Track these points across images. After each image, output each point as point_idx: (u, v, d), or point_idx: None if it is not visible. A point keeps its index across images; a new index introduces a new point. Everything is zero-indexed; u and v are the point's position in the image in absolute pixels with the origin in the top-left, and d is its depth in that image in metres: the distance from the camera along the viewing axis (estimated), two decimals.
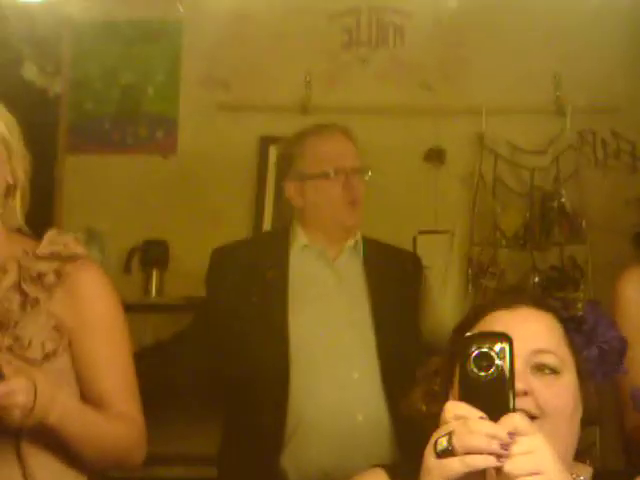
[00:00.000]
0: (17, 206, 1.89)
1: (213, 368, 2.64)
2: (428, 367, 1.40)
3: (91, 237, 3.56)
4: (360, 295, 2.71)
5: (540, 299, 1.44)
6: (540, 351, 1.34)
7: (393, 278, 2.77)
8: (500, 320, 1.36)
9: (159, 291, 3.68)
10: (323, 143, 2.73)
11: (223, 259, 2.76)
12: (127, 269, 3.67)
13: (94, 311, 1.88)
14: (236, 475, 2.63)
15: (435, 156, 3.64)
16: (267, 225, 3.66)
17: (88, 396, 1.88)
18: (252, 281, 2.65)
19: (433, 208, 3.58)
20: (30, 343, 1.80)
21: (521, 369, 1.30)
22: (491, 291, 3.35)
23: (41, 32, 3.70)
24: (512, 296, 1.44)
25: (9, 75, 4.13)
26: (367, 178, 2.76)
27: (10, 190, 1.88)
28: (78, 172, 3.78)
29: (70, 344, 1.86)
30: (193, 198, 3.68)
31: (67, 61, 3.88)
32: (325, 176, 2.67)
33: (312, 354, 2.61)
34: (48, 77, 3.96)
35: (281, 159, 2.87)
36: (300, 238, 2.72)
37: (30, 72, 3.91)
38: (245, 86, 3.77)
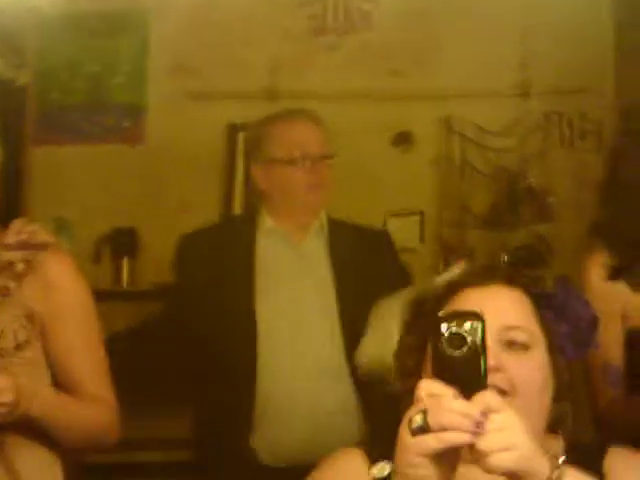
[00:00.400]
0: None
1: (184, 352, 2.65)
2: (402, 343, 1.41)
3: (60, 226, 3.54)
4: (325, 277, 2.73)
5: (511, 276, 1.44)
6: (510, 327, 1.34)
7: (360, 258, 2.77)
8: (471, 297, 1.37)
9: (129, 279, 3.67)
10: (290, 128, 2.74)
11: (190, 245, 2.78)
12: (97, 258, 3.66)
13: (65, 299, 1.88)
14: (210, 457, 2.65)
15: (403, 139, 3.66)
16: (237, 211, 3.66)
17: (61, 382, 1.89)
18: (219, 266, 2.68)
19: (403, 190, 3.60)
20: (2, 333, 1.81)
21: (492, 345, 1.30)
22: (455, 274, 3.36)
23: (6, 24, 3.67)
24: (483, 273, 1.44)
25: None
26: (331, 162, 2.78)
27: None
28: (46, 162, 3.76)
29: (41, 332, 1.87)
30: (162, 186, 3.67)
31: (33, 52, 3.85)
32: (291, 161, 2.68)
33: (279, 337, 2.64)
34: (14, 69, 3.93)
35: (249, 142, 2.89)
36: (266, 222, 2.74)
37: None
38: (212, 73, 3.76)
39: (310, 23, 3.77)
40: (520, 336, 1.34)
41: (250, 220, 2.79)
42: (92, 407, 1.88)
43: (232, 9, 3.66)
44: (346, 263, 2.74)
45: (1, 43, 3.76)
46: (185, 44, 3.74)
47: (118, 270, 3.67)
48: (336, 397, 2.62)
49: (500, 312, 1.35)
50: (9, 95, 3.98)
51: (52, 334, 1.87)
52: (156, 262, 3.52)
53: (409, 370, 1.36)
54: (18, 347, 1.82)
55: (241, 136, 3.67)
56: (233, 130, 3.73)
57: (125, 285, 3.67)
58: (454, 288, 1.40)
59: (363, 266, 2.74)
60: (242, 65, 3.73)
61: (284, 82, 3.71)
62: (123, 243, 3.66)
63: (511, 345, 1.33)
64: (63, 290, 1.88)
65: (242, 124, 3.65)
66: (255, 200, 2.85)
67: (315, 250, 2.76)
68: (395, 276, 2.82)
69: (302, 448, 2.55)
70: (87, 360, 1.90)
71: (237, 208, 3.69)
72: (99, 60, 3.82)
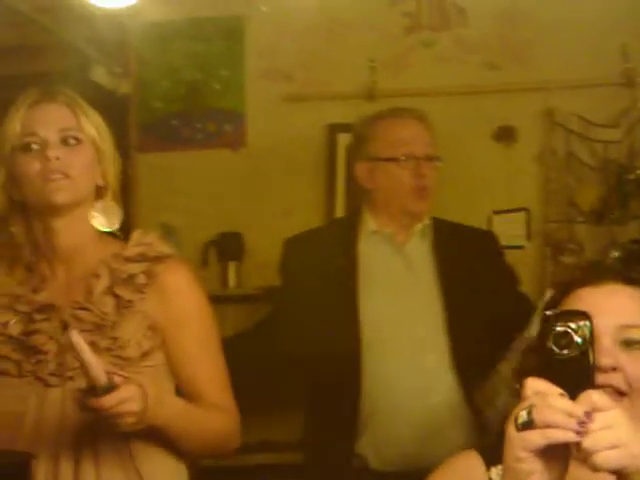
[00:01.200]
0: (107, 208, 1.91)
1: (292, 355, 2.66)
2: (520, 345, 1.40)
3: (166, 233, 3.59)
4: (429, 279, 2.69)
5: (625, 273, 1.42)
6: (628, 326, 1.33)
7: (465, 260, 2.73)
8: (586, 297, 1.35)
9: (236, 282, 3.72)
10: (396, 127, 2.72)
11: (295, 249, 2.78)
12: (204, 262, 3.72)
13: (185, 308, 1.91)
14: (319, 461, 2.65)
15: (505, 134, 3.61)
16: (339, 213, 3.66)
17: (184, 390, 1.93)
18: (323, 269, 2.66)
19: (506, 187, 3.55)
20: (127, 343, 1.84)
21: (609, 345, 1.30)
22: (571, 267, 3.31)
23: (107, 35, 3.75)
24: (596, 272, 1.43)
25: (79, 79, 4.20)
26: (439, 165, 2.74)
27: (101, 193, 1.91)
28: (150, 170, 3.83)
29: (163, 342, 1.90)
30: (265, 189, 3.70)
31: (133, 62, 3.93)
32: (395, 160, 2.66)
33: (384, 340, 2.61)
34: (116, 78, 4.02)
35: (354, 140, 2.86)
36: (369, 224, 2.72)
37: (98, 75, 3.97)
38: (309, 76, 3.78)
39: (404, 21, 3.75)
40: (637, 335, 1.32)
41: (353, 222, 2.77)
42: (215, 416, 1.90)
43: (326, 11, 3.68)
44: (451, 265, 2.71)
45: (103, 53, 3.85)
46: (281, 47, 3.77)
47: (225, 274, 3.72)
48: (442, 400, 2.59)
49: (615, 311, 1.34)
50: (112, 105, 4.07)
51: (173, 343, 1.90)
52: (261, 265, 3.56)
53: (527, 371, 1.35)
54: (143, 356, 1.86)
55: (341, 137, 3.68)
56: (332, 131, 3.73)
57: (232, 289, 3.71)
58: (568, 288, 1.39)
59: (469, 268, 2.70)
60: (338, 66, 3.74)
61: (381, 81, 3.70)
62: (229, 247, 3.71)
63: (629, 344, 1.33)
64: (182, 300, 1.91)
65: (341, 125, 3.66)
66: (358, 201, 2.83)
67: (420, 252, 2.72)
68: (502, 278, 2.78)
69: (409, 452, 2.54)
70: (208, 369, 1.92)
71: (339, 210, 3.69)
72: (198, 66, 3.87)
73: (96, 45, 3.85)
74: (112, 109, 4.12)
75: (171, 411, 1.78)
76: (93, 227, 1.90)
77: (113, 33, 3.78)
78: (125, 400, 1.66)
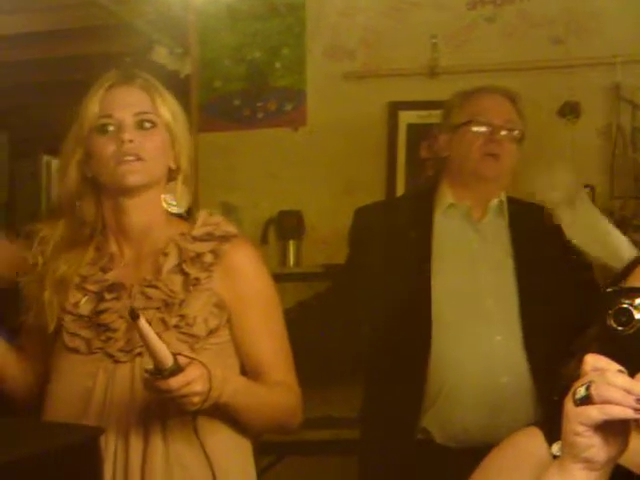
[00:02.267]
0: (178, 191, 1.94)
1: (354, 329, 2.65)
2: (586, 335, 1.38)
3: (227, 211, 3.62)
4: (505, 257, 2.66)
5: None
6: None
7: (538, 239, 2.70)
8: None
9: (296, 261, 3.73)
10: (479, 99, 2.70)
11: (367, 218, 2.76)
12: (264, 240, 3.73)
13: (251, 287, 1.93)
14: (379, 437, 2.64)
15: (570, 110, 3.55)
16: (400, 191, 3.64)
17: (248, 367, 1.95)
18: (396, 241, 2.64)
19: (571, 163, 3.50)
20: (195, 320, 1.87)
21: None
22: (636, 244, 3.25)
23: (168, 15, 3.77)
24: None
25: (141, 60, 4.23)
26: (517, 138, 2.72)
27: (173, 175, 1.94)
28: (211, 149, 3.85)
29: (229, 319, 1.92)
30: (325, 168, 3.70)
31: (194, 42, 3.94)
32: (469, 124, 2.65)
33: (454, 316, 2.58)
34: (178, 59, 4.04)
35: (444, 111, 2.81)
36: (446, 196, 2.69)
37: (160, 55, 3.99)
38: (371, 53, 3.76)
39: None
40: None
41: (429, 195, 2.74)
42: (279, 393, 1.92)
43: None
44: (526, 243, 2.68)
45: (164, 33, 3.87)
46: (342, 25, 3.76)
47: (284, 252, 3.73)
48: (511, 379, 2.56)
49: None
50: (174, 86, 4.09)
51: (238, 321, 1.92)
52: (321, 244, 3.57)
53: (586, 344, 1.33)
54: (210, 333, 1.88)
55: (402, 114, 3.66)
56: (394, 109, 3.71)
57: (291, 267, 3.72)
58: (631, 265, 1.36)
59: (541, 246, 2.67)
60: (399, 43, 3.72)
61: (443, 58, 3.67)
62: (289, 226, 3.72)
63: None
64: (247, 278, 1.92)
65: (402, 102, 3.64)
66: (435, 175, 2.79)
67: (495, 229, 2.69)
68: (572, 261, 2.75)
69: (476, 429, 2.52)
70: (271, 346, 1.94)
71: (400, 188, 3.67)
72: (258, 45, 3.88)
73: (157, 26, 3.88)
74: (174, 89, 4.12)
75: (235, 388, 1.80)
76: (162, 208, 1.93)
77: (174, 13, 3.79)
78: (191, 382, 1.68)
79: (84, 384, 1.87)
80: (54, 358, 1.93)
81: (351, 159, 3.66)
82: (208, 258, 1.89)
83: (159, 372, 1.67)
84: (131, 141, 1.84)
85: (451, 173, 2.71)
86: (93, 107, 1.88)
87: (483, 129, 2.65)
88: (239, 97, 3.91)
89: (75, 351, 1.89)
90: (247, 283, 1.91)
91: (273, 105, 3.88)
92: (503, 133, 2.67)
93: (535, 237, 2.70)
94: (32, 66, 4.65)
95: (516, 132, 2.71)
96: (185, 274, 1.88)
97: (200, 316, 1.87)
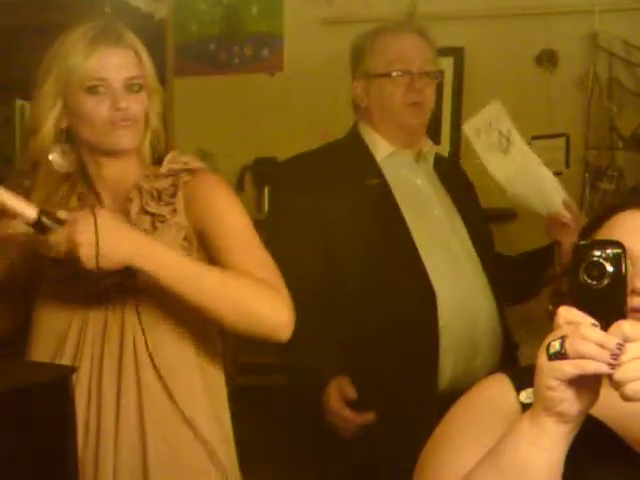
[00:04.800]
0: (146, 145, 1.97)
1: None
2: (555, 269, 1.38)
3: (203, 158, 3.57)
4: (450, 202, 2.67)
5: None
6: None
7: (461, 189, 2.76)
8: (625, 221, 1.33)
9: None
10: (394, 42, 2.63)
11: (303, 171, 2.64)
12: (240, 187, 3.72)
13: (220, 217, 1.92)
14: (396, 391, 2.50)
15: (546, 58, 3.54)
16: None
17: None
18: (351, 191, 2.54)
19: (546, 112, 3.49)
20: None
21: None
22: (610, 194, 3.27)
23: None
24: (636, 197, 1.40)
25: (116, 2, 4.17)
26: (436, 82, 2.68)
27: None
28: (186, 94, 3.82)
29: (206, 247, 1.92)
30: (302, 114, 3.68)
31: None
32: (388, 76, 2.60)
33: (436, 261, 2.54)
34: (153, 2, 3.99)
35: (353, 54, 2.72)
36: (381, 144, 2.63)
37: None
38: None
39: None
40: None
41: (357, 142, 2.65)
42: (248, 280, 1.84)
43: None
44: (456, 191, 2.70)
45: None
46: None
47: (260, 199, 3.72)
48: (486, 324, 2.55)
49: None
50: (149, 29, 4.04)
51: (213, 245, 1.91)
52: None
53: (562, 294, 1.34)
54: None
55: None
56: None
57: (267, 214, 3.71)
58: (610, 211, 1.36)
59: (466, 196, 2.74)
60: None
61: (421, 3, 3.63)
62: (265, 172, 3.70)
63: None
64: (213, 208, 1.92)
65: None
66: (357, 122, 2.72)
67: (432, 176, 2.69)
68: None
69: (457, 375, 2.49)
70: (250, 257, 1.89)
71: None
72: None
73: None
74: (149, 32, 4.09)
75: (160, 256, 1.78)
76: (136, 158, 1.96)
77: None
78: (71, 233, 1.71)
79: (59, 327, 1.91)
80: (34, 305, 1.96)
81: (328, 105, 3.64)
82: (169, 191, 1.92)
83: (40, 229, 1.72)
84: (125, 107, 1.87)
85: (373, 122, 2.64)
86: (80, 63, 1.88)
87: (402, 79, 2.59)
88: (215, 41, 3.87)
89: (52, 296, 1.92)
90: (215, 213, 1.91)
91: (249, 50, 3.84)
92: (424, 80, 2.61)
93: (458, 187, 2.74)
94: (6, 9, 4.57)
95: (436, 75, 2.67)
96: (149, 213, 1.91)
97: None
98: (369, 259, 2.52)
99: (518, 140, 2.65)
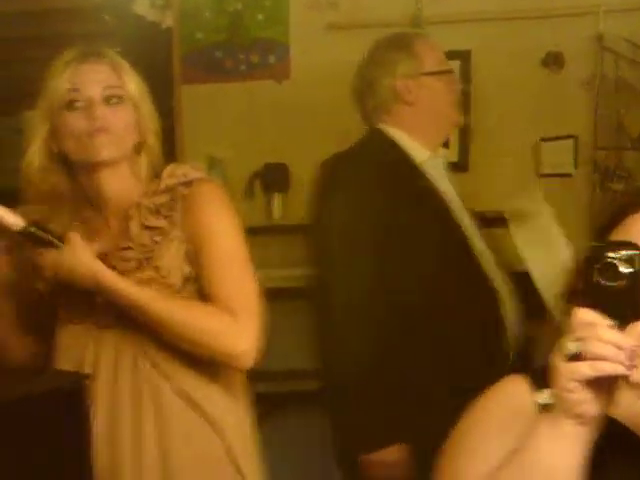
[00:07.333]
0: (143, 164, 1.97)
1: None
2: (571, 265, 1.37)
3: (212, 164, 3.62)
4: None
5: None
6: None
7: None
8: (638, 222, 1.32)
9: (281, 214, 3.73)
10: (433, 44, 2.62)
11: (349, 171, 2.51)
12: (249, 194, 3.73)
13: (207, 223, 1.91)
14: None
15: (553, 60, 3.54)
16: None
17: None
18: (404, 195, 2.45)
19: (554, 114, 3.50)
20: (169, 271, 1.89)
21: None
22: (619, 194, 3.27)
23: None
24: None
25: (122, 11, 4.19)
26: None
27: (138, 149, 1.97)
28: (194, 102, 3.83)
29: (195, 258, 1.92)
30: (310, 120, 3.68)
31: None
32: (440, 74, 2.56)
33: (490, 269, 2.51)
34: (159, 11, 4.00)
35: (386, 55, 2.60)
36: (418, 149, 2.55)
37: (142, 7, 3.96)
38: (353, 3, 3.73)
39: None
40: None
41: (390, 146, 2.56)
42: (200, 310, 1.87)
43: None
44: None
45: None
46: None
47: (270, 205, 3.73)
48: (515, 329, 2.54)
49: None
50: (155, 37, 4.06)
51: (200, 258, 1.90)
52: (307, 197, 3.55)
53: (576, 291, 1.34)
54: (185, 282, 1.90)
55: None
56: None
57: (277, 220, 3.72)
58: (623, 211, 1.35)
59: None
60: None
61: (427, 7, 3.64)
62: (274, 179, 3.71)
63: None
64: (202, 215, 1.91)
65: None
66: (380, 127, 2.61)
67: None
68: None
69: None
70: (228, 279, 1.90)
71: None
72: None
73: None
74: (155, 41, 4.13)
75: (113, 284, 1.82)
76: (132, 177, 1.96)
77: None
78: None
79: (77, 355, 1.92)
80: (56, 331, 1.98)
81: (335, 111, 3.64)
82: (167, 205, 1.92)
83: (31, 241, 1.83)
84: (103, 117, 1.88)
85: (408, 125, 2.54)
86: (59, 83, 1.90)
87: (449, 77, 2.60)
88: (221, 49, 3.88)
89: (69, 322, 1.94)
90: (203, 219, 1.91)
91: (256, 57, 3.85)
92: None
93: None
94: (13, 20, 4.59)
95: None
96: (150, 228, 1.91)
97: (173, 265, 1.89)
98: (434, 272, 2.42)
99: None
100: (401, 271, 2.38)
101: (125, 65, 1.96)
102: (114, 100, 1.91)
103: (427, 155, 2.56)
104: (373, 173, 2.45)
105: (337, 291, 2.35)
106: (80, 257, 1.81)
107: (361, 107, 2.67)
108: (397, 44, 2.61)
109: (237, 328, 1.86)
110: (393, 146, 2.56)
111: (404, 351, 2.37)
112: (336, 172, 2.54)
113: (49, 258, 1.83)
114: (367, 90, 2.63)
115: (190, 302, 1.89)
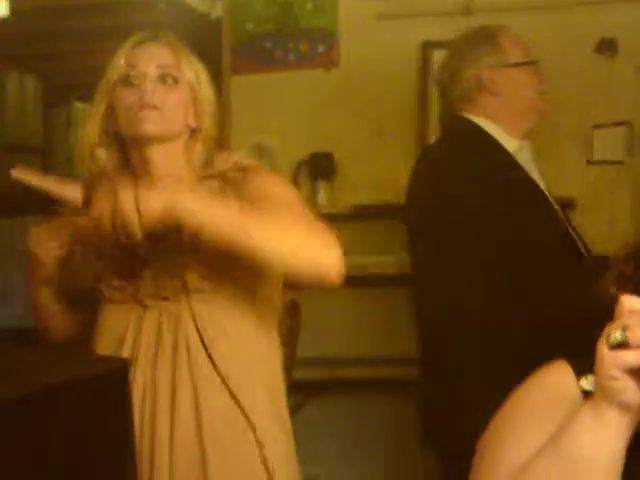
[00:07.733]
0: (198, 150, 1.95)
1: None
2: (622, 250, 1.35)
3: (260, 153, 3.62)
4: None
5: None
6: None
7: None
8: None
9: (327, 202, 3.72)
10: (515, 35, 2.62)
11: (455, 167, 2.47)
12: (295, 182, 3.73)
13: (268, 188, 1.90)
14: None
15: (606, 47, 3.49)
16: (432, 132, 3.59)
17: None
18: (512, 188, 2.43)
19: (607, 101, 3.44)
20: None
21: None
22: None
23: None
24: None
25: (173, 3, 4.21)
26: None
27: (194, 135, 1.95)
28: (243, 91, 3.84)
29: None
30: (357, 109, 3.67)
31: None
32: (527, 65, 2.55)
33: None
34: (209, 1, 4.02)
35: (471, 44, 2.64)
36: (508, 139, 2.54)
37: None
38: None
39: None
40: None
41: (480, 135, 2.56)
42: (296, 221, 1.83)
43: None
44: None
45: None
46: None
47: (315, 194, 3.73)
48: None
49: None
50: (205, 28, 4.08)
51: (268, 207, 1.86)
52: (353, 185, 3.54)
53: (628, 277, 1.31)
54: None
55: (435, 54, 3.60)
56: (427, 48, 3.66)
57: (323, 207, 3.71)
58: None
59: None
60: None
61: None
62: (321, 167, 3.70)
63: None
64: (265, 187, 1.90)
65: (436, 42, 3.58)
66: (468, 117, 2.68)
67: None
68: None
69: None
70: (302, 216, 1.86)
71: (432, 129, 3.62)
72: None
73: None
74: (205, 32, 4.15)
75: (205, 201, 1.77)
76: (186, 160, 1.95)
77: None
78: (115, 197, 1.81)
79: (118, 333, 1.92)
80: (98, 310, 1.97)
81: (383, 100, 3.63)
82: (218, 189, 1.91)
83: None
84: (153, 91, 1.88)
85: (497, 115, 2.54)
86: (118, 62, 1.93)
87: (536, 67, 2.58)
88: (270, 39, 3.88)
89: (111, 301, 1.93)
90: (265, 192, 1.88)
91: (305, 46, 3.85)
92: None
93: None
94: (66, 13, 4.65)
95: None
96: None
97: None
98: (547, 264, 2.42)
99: None
100: (520, 256, 2.36)
101: (184, 49, 1.97)
102: (169, 80, 1.91)
103: (517, 145, 2.55)
104: (485, 166, 2.45)
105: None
106: (153, 193, 1.76)
107: (444, 97, 2.68)
108: (482, 37, 2.61)
109: (326, 239, 1.82)
110: (482, 135, 2.55)
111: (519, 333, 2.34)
112: (445, 166, 2.49)
113: (125, 202, 1.80)
114: (451, 80, 2.61)
115: (274, 216, 1.81)
